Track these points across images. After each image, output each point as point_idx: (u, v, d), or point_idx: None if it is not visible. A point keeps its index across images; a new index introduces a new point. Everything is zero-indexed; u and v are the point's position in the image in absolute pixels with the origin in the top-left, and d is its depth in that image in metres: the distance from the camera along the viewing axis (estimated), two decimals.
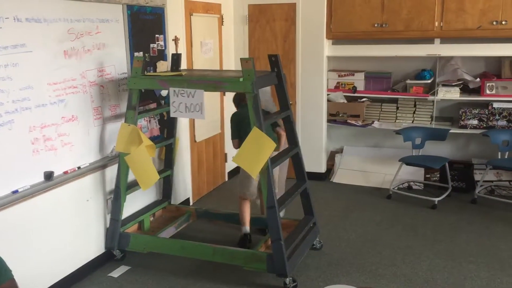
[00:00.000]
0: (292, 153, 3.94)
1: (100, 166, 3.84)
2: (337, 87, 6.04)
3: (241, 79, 3.42)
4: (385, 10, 5.40)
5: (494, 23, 5.03)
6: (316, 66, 5.76)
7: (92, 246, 3.85)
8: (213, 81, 3.61)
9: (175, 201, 4.79)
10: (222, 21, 5.70)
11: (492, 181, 5.44)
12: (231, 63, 5.95)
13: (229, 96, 5.88)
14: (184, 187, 5.08)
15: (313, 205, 4.11)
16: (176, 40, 4.71)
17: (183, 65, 4.79)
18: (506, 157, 5.25)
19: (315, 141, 5.94)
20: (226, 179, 6.07)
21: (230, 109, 5.97)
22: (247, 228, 4.18)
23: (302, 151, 5.79)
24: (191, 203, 5.21)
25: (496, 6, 5.00)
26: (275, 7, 5.77)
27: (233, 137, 4.24)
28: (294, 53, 5.79)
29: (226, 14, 5.78)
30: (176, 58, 4.24)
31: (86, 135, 3.69)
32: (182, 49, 4.81)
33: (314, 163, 5.96)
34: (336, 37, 5.74)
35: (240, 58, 3.44)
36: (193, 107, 3.59)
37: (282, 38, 5.82)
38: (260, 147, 3.41)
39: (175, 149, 4.49)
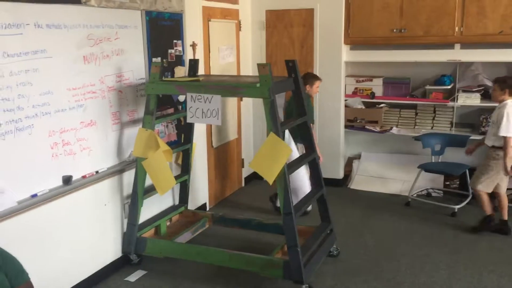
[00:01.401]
0: (309, 159, 3.92)
1: (118, 170, 3.87)
2: (355, 93, 6.00)
3: (258, 85, 3.42)
4: (404, 15, 5.35)
5: None
6: (334, 72, 5.73)
7: (109, 250, 3.87)
8: (230, 86, 3.62)
9: (191, 206, 4.80)
10: (240, 27, 5.72)
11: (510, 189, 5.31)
12: (249, 69, 5.96)
13: (246, 101, 5.91)
14: (201, 192, 5.08)
15: (330, 212, 4.07)
16: (194, 45, 4.73)
17: (201, 71, 4.81)
18: None
19: (332, 147, 5.89)
20: (243, 184, 6.06)
21: (247, 114, 6.00)
22: None
23: None
24: (207, 209, 5.21)
25: None
26: (292, 13, 5.76)
27: None
28: (312, 58, 5.77)
29: (244, 19, 5.79)
30: (194, 63, 4.26)
31: (104, 140, 3.72)
32: (199, 55, 4.84)
33: (332, 169, 5.91)
34: (354, 43, 5.71)
35: (257, 64, 3.44)
36: (210, 112, 3.59)
37: (299, 43, 5.81)
38: (277, 153, 3.40)
39: (192, 154, 4.50)
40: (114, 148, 3.84)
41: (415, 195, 5.42)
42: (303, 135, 3.99)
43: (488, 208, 4.61)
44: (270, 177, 3.45)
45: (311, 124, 4.73)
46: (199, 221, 4.47)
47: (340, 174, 6.00)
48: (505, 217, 4.58)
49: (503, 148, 4.40)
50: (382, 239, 4.50)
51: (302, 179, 4.74)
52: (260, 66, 3.41)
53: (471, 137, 5.33)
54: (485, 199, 4.61)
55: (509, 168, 4.42)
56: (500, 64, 5.51)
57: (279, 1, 5.77)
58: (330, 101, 5.81)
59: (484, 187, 4.57)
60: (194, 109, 3.65)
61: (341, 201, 5.43)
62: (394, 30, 5.41)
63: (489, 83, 5.46)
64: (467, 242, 4.39)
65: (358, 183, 5.96)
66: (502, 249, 4.24)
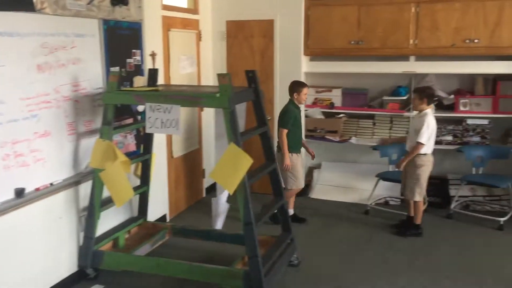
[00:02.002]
0: (269, 169, 3.93)
1: (74, 182, 3.76)
2: (314, 103, 6.08)
3: (217, 95, 3.42)
4: (361, 27, 5.48)
5: (467, 41, 5.16)
6: None
7: (64, 264, 3.75)
8: (190, 96, 3.61)
9: (151, 218, 4.71)
10: (200, 37, 5.71)
11: (467, 196, 5.51)
12: (210, 79, 5.95)
13: (207, 111, 5.88)
14: (161, 203, 5.01)
15: (290, 221, 4.09)
16: (153, 55, 4.69)
17: (161, 81, 4.77)
18: (480, 172, 5.33)
19: None
20: (204, 195, 6.01)
21: (208, 124, 5.97)
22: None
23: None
24: (167, 220, 5.14)
25: (468, 25, 5.12)
26: (253, 24, 5.80)
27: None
28: (272, 69, 5.82)
29: (204, 29, 5.79)
30: (153, 73, 4.22)
31: (59, 151, 3.61)
32: (159, 65, 4.79)
33: None
34: (314, 54, 5.80)
35: (217, 74, 3.44)
36: (169, 122, 3.56)
37: (260, 54, 5.85)
38: (237, 163, 3.40)
39: (152, 165, 4.44)
40: (70, 159, 3.73)
41: (373, 203, 5.53)
42: (264, 146, 4.00)
43: (420, 217, 4.78)
44: (230, 187, 3.44)
45: (282, 130, 4.86)
46: (158, 232, 4.40)
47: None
48: (419, 221, 4.80)
49: (410, 151, 4.63)
50: (342, 248, 4.55)
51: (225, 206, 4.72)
52: (220, 76, 3.41)
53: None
54: (422, 208, 4.80)
55: (402, 167, 4.66)
56: (453, 76, 5.72)
57: (240, 12, 5.81)
58: None
59: (420, 196, 4.72)
60: (153, 119, 3.61)
61: (302, 211, 5.46)
62: (352, 42, 5.53)
63: (443, 94, 5.66)
64: (424, 249, 4.50)
65: (318, 193, 6.02)
66: (456, 256, 4.36)
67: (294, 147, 4.93)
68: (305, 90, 4.93)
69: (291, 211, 5.07)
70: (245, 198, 3.41)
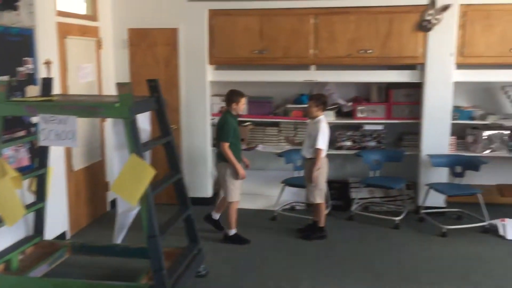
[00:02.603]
0: (173, 179, 3.87)
1: None
2: (221, 112, 6.08)
3: (117, 105, 3.30)
4: (264, 37, 5.60)
5: (362, 51, 5.46)
6: (199, 91, 5.78)
7: None
8: (87, 106, 3.45)
9: (49, 236, 4.42)
10: (101, 45, 5.50)
11: (366, 198, 5.82)
12: (112, 88, 5.73)
13: (110, 121, 5.66)
14: (60, 220, 4.74)
15: (197, 232, 4.05)
16: (48, 63, 4.43)
17: (57, 90, 4.52)
18: (377, 175, 5.65)
19: (200, 166, 5.91)
20: (108, 209, 5.78)
21: (111, 135, 5.75)
22: None
23: (187, 176, 5.82)
24: (68, 237, 4.86)
25: (362, 36, 5.43)
26: (156, 32, 5.70)
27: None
28: (177, 78, 5.75)
29: (105, 37, 5.59)
30: (47, 82, 3.97)
31: None
32: (55, 73, 4.54)
33: (200, 188, 5.93)
34: (218, 63, 5.82)
35: (116, 83, 3.34)
36: (65, 134, 3.38)
37: (164, 63, 5.76)
38: (139, 174, 3.30)
39: (48, 179, 4.17)
40: None
41: (280, 209, 5.64)
42: (168, 156, 3.93)
43: (323, 220, 4.96)
44: (133, 199, 3.33)
45: (223, 143, 4.70)
46: (57, 251, 4.13)
47: (209, 193, 6.02)
48: (323, 224, 4.98)
49: (314, 158, 4.80)
50: (250, 255, 4.58)
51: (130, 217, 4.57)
52: (119, 85, 3.31)
53: (328, 152, 5.70)
54: (324, 210, 4.97)
55: (317, 180, 4.81)
56: (350, 84, 6.03)
57: (142, 20, 5.68)
58: (196, 120, 5.83)
59: (321, 199, 4.92)
60: (47, 131, 3.40)
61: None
62: (255, 51, 5.63)
63: (342, 102, 5.94)
64: (327, 251, 4.66)
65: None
66: (357, 256, 4.57)
67: (236, 159, 4.77)
68: (243, 100, 4.83)
69: (232, 231, 4.90)
70: (149, 210, 3.32)
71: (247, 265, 4.36)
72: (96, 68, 5.42)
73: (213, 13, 5.63)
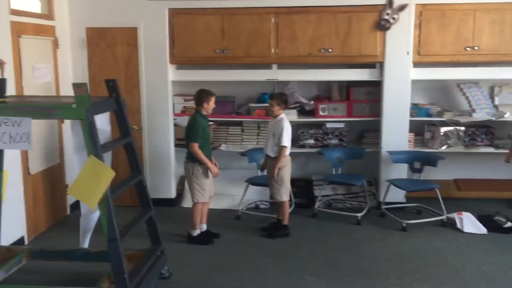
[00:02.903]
0: (134, 180, 3.81)
1: None
2: (183, 112, 6.05)
3: (73, 106, 3.23)
4: (226, 36, 5.58)
5: (322, 50, 5.52)
6: (161, 91, 5.72)
7: None
8: (43, 108, 3.35)
9: (5, 242, 4.27)
10: (58, 44, 5.36)
11: (329, 195, 5.89)
12: (70, 89, 5.57)
13: (68, 123, 5.53)
14: (17, 225, 4.60)
15: (159, 233, 4.00)
16: (1, 64, 4.29)
17: (11, 92, 4.37)
18: (339, 172, 5.73)
19: (163, 167, 5.85)
20: (68, 212, 5.64)
21: (71, 137, 5.61)
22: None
23: (150, 177, 5.77)
24: (26, 243, 4.72)
25: (322, 35, 5.49)
26: (115, 31, 5.60)
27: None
28: (138, 78, 5.67)
29: (62, 37, 5.45)
30: (0, 83, 3.84)
31: None
32: (9, 74, 4.40)
33: (163, 188, 5.87)
34: (180, 62, 5.78)
35: (72, 84, 3.26)
36: (19, 137, 3.28)
37: (124, 63, 5.66)
38: (98, 176, 3.24)
39: (3, 183, 4.03)
40: None
41: (244, 208, 5.65)
42: (129, 157, 3.87)
43: (287, 218, 5.00)
44: (92, 202, 3.26)
45: (192, 144, 4.61)
46: (14, 257, 3.99)
47: (173, 194, 5.97)
48: (287, 221, 5.02)
49: (278, 156, 4.82)
50: (214, 255, 4.57)
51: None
52: (75, 86, 3.24)
53: (291, 150, 5.75)
54: (288, 208, 5.02)
55: (276, 174, 4.84)
56: (312, 83, 6.11)
57: (100, 19, 5.57)
58: (159, 120, 5.77)
59: (287, 196, 4.96)
60: (1, 134, 3.29)
61: (174, 221, 5.40)
62: (217, 51, 5.61)
63: (304, 100, 6.00)
64: (291, 249, 4.70)
65: (191, 201, 5.96)
66: (320, 253, 4.63)
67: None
68: (213, 98, 4.76)
69: (195, 232, 4.84)
70: (109, 212, 3.26)
71: (211, 266, 4.34)
72: (53, 69, 5.29)
73: (174, 12, 5.58)
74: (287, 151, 4.86)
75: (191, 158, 4.71)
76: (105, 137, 3.79)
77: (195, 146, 4.64)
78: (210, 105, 4.76)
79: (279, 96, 4.95)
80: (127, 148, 3.83)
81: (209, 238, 4.86)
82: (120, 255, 3.27)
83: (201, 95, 4.74)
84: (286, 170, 4.89)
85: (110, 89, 3.68)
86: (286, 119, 4.90)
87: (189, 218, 4.89)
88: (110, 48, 5.63)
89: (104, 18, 5.57)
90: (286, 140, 4.79)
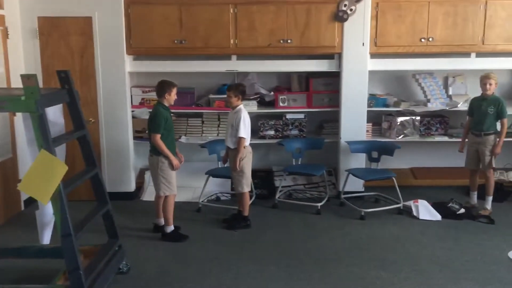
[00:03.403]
0: (90, 174, 3.72)
1: None
2: (142, 104, 5.95)
3: (22, 98, 3.11)
4: (184, 27, 5.50)
5: (282, 41, 5.52)
6: (118, 82, 5.59)
7: None
8: None
9: None
10: (7, 34, 5.15)
11: (289, 186, 5.93)
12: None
13: (21, 116, 5.33)
14: None
15: (116, 227, 3.93)
16: None
17: None
18: (299, 163, 5.77)
19: (122, 160, 5.74)
20: (23, 208, 5.46)
21: (23, 129, 5.42)
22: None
23: (109, 170, 5.66)
24: None
25: (282, 26, 5.49)
26: (69, 21, 5.42)
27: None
28: (94, 69, 5.52)
29: (12, 26, 5.24)
30: None
31: None
32: None
33: (122, 182, 5.77)
34: (137, 53, 5.66)
35: (21, 75, 3.14)
36: None
37: (79, 53, 5.50)
38: (50, 171, 3.14)
39: None
40: None
41: (205, 200, 5.62)
42: (83, 150, 3.77)
43: (247, 209, 5.01)
44: (44, 197, 3.17)
45: (154, 135, 4.52)
46: None
47: (132, 187, 5.87)
48: (247, 212, 5.02)
49: (237, 147, 4.82)
50: (174, 248, 4.52)
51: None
52: (24, 77, 3.12)
53: (251, 141, 5.74)
54: (248, 199, 5.02)
55: (237, 165, 4.83)
56: (272, 74, 6.11)
57: (53, 8, 5.37)
58: (116, 112, 5.64)
59: (248, 187, 4.97)
60: None
61: (133, 214, 5.33)
62: (175, 41, 5.52)
63: (264, 91, 5.99)
64: (252, 240, 4.71)
65: (151, 194, 5.84)
66: (280, 243, 4.65)
67: (170, 150, 4.64)
68: (175, 89, 4.69)
69: (170, 228, 4.71)
70: (62, 208, 3.18)
71: (171, 259, 4.30)
72: (3, 60, 5.08)
73: (130, 2, 5.45)
74: (246, 142, 4.86)
75: (155, 151, 4.63)
76: (58, 130, 3.68)
77: (157, 137, 4.56)
78: (172, 96, 4.69)
79: (236, 87, 4.93)
80: (81, 141, 3.74)
81: (183, 234, 4.76)
82: (75, 251, 3.19)
83: (163, 86, 4.66)
84: (246, 161, 4.89)
85: (62, 81, 3.57)
86: (244, 110, 4.89)
87: (154, 211, 4.81)
88: (64, 38, 5.46)
89: (57, 7, 5.37)
90: (243, 131, 4.78)
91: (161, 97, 4.67)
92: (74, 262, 3.19)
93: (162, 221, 4.82)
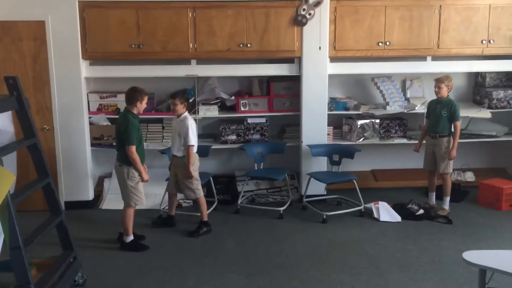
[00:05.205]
0: (42, 184, 3.58)
1: None
2: (100, 109, 5.81)
3: None
4: (141, 31, 5.40)
5: (241, 45, 5.49)
6: (74, 88, 5.44)
7: None
8: None
9: None
10: None
11: (253, 191, 5.90)
12: None
13: None
14: None
15: (71, 238, 3.80)
16: None
17: None
18: (262, 167, 5.75)
19: (79, 168, 5.58)
20: None
21: None
22: None
23: (65, 179, 5.49)
24: None
25: (241, 30, 5.46)
26: (21, 25, 5.24)
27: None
28: (48, 74, 5.35)
29: None
30: None
31: None
32: None
33: (80, 190, 5.62)
34: (93, 58, 5.52)
35: None
36: None
37: (32, 59, 5.32)
38: None
39: None
40: None
41: (165, 208, 5.51)
42: (34, 159, 3.64)
43: (206, 214, 4.97)
44: None
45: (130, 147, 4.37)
46: None
47: (90, 195, 5.71)
48: (206, 218, 4.98)
49: (188, 155, 4.77)
50: (134, 258, 4.42)
51: None
52: None
53: (213, 147, 5.72)
54: (205, 204, 4.97)
55: (194, 175, 4.82)
56: (233, 78, 6.08)
57: (3, 11, 5.18)
58: (73, 119, 5.49)
59: (201, 192, 4.92)
60: None
61: (91, 224, 5.18)
62: (133, 46, 5.41)
63: (225, 96, 5.94)
64: (213, 247, 4.64)
65: (110, 203, 5.75)
66: (242, 249, 4.62)
67: (141, 160, 4.50)
68: (146, 98, 4.53)
69: (129, 238, 4.57)
70: (10, 219, 3.04)
71: (130, 269, 4.19)
72: None
73: (84, 5, 5.31)
74: (195, 149, 4.80)
75: (126, 161, 4.46)
76: (7, 138, 3.53)
77: (133, 149, 4.38)
78: (143, 104, 4.55)
79: (181, 94, 4.87)
80: (31, 150, 3.61)
81: (144, 244, 4.64)
82: (25, 264, 3.06)
83: (135, 94, 4.48)
84: (195, 168, 4.87)
85: (10, 87, 3.45)
86: (190, 117, 4.86)
87: (114, 220, 4.69)
88: (15, 43, 5.27)
89: (8, 11, 5.18)
90: (193, 139, 4.74)
91: (131, 104, 4.50)
92: (25, 276, 3.06)
93: (128, 239, 4.63)
